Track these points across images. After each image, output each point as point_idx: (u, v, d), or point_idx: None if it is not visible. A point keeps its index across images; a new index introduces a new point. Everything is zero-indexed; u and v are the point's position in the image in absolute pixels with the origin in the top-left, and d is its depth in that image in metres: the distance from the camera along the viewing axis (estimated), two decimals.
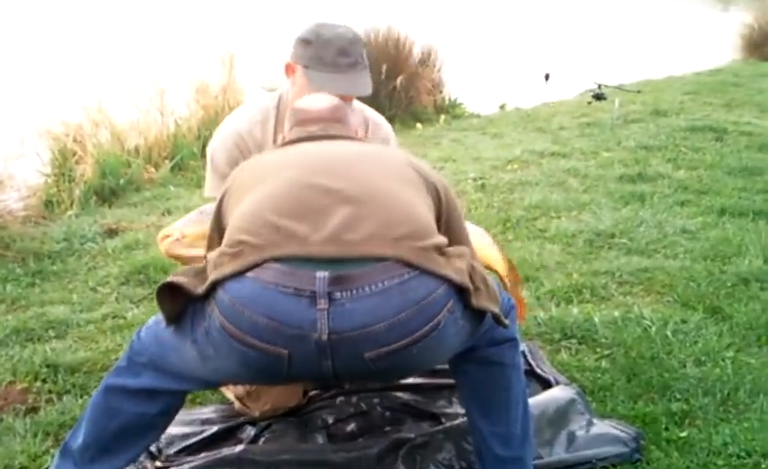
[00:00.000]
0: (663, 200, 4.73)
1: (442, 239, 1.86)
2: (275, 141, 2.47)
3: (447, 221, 2.02)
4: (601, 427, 2.44)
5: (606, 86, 7.42)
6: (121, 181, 5.47)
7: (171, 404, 2.01)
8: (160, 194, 5.37)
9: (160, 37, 10.42)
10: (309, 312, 1.72)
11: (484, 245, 2.54)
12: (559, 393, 2.58)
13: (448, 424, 2.44)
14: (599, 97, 7.28)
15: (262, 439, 2.46)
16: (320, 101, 2.19)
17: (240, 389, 2.56)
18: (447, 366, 2.11)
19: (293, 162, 1.97)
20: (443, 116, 8.31)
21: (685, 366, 2.83)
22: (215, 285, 1.79)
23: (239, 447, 2.37)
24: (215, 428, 2.49)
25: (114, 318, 3.32)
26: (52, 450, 2.38)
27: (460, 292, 1.82)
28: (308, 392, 2.65)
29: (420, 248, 1.79)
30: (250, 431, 2.49)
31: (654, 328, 3.08)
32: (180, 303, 1.86)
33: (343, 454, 2.30)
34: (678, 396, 2.64)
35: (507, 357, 2.05)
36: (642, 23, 17.20)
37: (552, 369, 2.79)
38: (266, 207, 1.83)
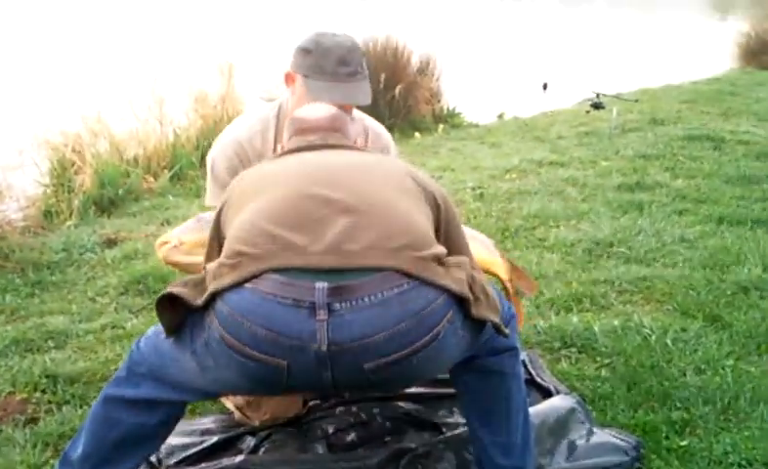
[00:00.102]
0: (662, 209, 4.74)
1: (441, 249, 1.86)
2: (274, 150, 2.47)
3: (446, 230, 2.02)
4: (601, 436, 2.44)
5: (604, 95, 7.44)
6: (120, 191, 5.47)
7: (171, 414, 2.01)
8: (159, 204, 5.37)
9: (159, 47, 10.43)
10: (308, 323, 1.72)
11: (484, 250, 2.54)
12: (559, 402, 2.58)
13: (449, 434, 2.43)
14: (597, 106, 7.29)
15: (262, 449, 2.45)
16: (319, 110, 2.19)
17: (240, 399, 2.56)
18: (447, 376, 2.10)
19: (292, 172, 1.97)
20: (441, 126, 8.34)
21: (685, 375, 2.82)
22: (214, 296, 1.79)
23: (240, 458, 2.36)
24: (215, 438, 2.48)
25: (114, 328, 3.31)
26: (51, 461, 2.37)
27: (460, 302, 1.82)
28: (308, 402, 2.64)
29: (419, 258, 1.79)
30: (250, 441, 2.49)
31: (654, 337, 3.08)
32: (179, 314, 1.85)
33: (343, 465, 2.29)
34: (678, 404, 2.64)
35: (508, 366, 2.05)
36: (639, 32, 17.26)
37: (552, 378, 2.79)
38: (264, 218, 1.83)
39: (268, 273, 1.75)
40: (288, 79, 2.51)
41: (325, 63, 2.41)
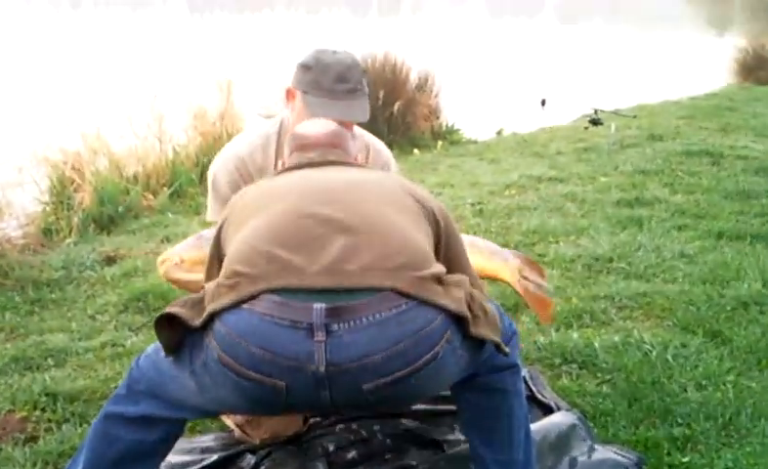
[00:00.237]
0: (661, 225, 4.74)
1: (440, 268, 1.85)
2: (276, 165, 2.48)
3: (446, 247, 2.01)
4: (603, 452, 2.43)
5: (602, 111, 7.44)
6: (120, 208, 5.48)
7: (170, 431, 2.00)
8: (159, 222, 5.37)
9: (158, 64, 10.47)
10: (305, 344, 1.71)
11: (484, 259, 2.53)
12: (560, 418, 2.57)
13: (451, 451, 2.42)
14: (595, 122, 7.29)
15: (262, 467, 2.44)
16: (319, 126, 2.19)
17: (240, 417, 2.55)
18: (449, 393, 2.10)
19: (291, 190, 1.96)
20: (440, 142, 8.35)
21: (686, 391, 2.82)
22: (212, 317, 1.78)
23: None
24: (215, 456, 2.47)
25: (113, 345, 3.31)
26: None
27: (458, 321, 1.81)
28: (308, 419, 2.63)
29: (418, 278, 1.78)
30: (250, 459, 2.47)
31: (654, 353, 3.07)
32: (178, 332, 1.85)
33: None
34: (680, 420, 2.63)
35: (509, 383, 2.05)
36: (637, 49, 17.32)
37: (553, 395, 2.78)
38: (262, 237, 1.83)
39: (265, 293, 1.74)
40: (289, 95, 2.52)
41: (324, 79, 2.42)
